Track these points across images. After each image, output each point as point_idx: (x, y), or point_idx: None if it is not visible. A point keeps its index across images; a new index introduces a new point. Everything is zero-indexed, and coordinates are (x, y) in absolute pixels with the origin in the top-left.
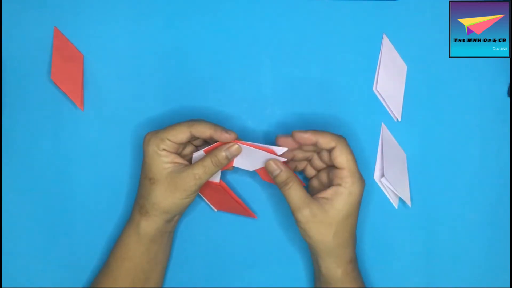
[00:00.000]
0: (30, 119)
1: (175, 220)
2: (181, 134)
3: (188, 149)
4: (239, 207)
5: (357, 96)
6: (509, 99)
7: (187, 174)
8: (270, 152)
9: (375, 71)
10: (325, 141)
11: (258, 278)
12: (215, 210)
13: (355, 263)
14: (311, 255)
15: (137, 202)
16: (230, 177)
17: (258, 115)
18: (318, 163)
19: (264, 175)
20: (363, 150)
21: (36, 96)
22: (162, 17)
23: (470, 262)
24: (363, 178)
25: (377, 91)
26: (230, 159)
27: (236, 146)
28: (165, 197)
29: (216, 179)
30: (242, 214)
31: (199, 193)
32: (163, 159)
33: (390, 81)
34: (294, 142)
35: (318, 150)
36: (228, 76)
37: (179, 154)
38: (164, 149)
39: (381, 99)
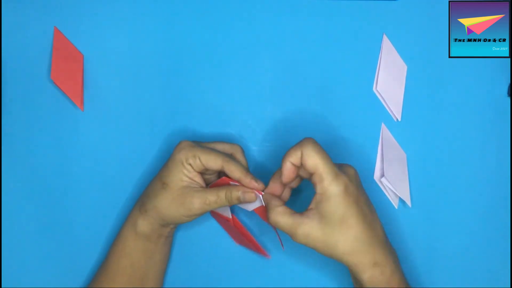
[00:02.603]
0: (30, 119)
1: (170, 227)
2: (213, 163)
3: (211, 175)
4: (251, 244)
5: (357, 96)
6: (509, 99)
7: (199, 196)
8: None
9: (375, 71)
10: (295, 158)
11: (258, 281)
12: (236, 244)
13: (385, 267)
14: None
15: (140, 199)
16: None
17: (258, 115)
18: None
19: (263, 215)
20: (363, 150)
21: (36, 96)
22: (162, 17)
23: (470, 262)
24: (346, 170)
25: (377, 91)
26: (241, 202)
27: (253, 195)
28: (168, 206)
29: (227, 214)
30: (256, 251)
31: (221, 225)
32: (185, 171)
33: (390, 81)
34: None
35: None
36: (228, 75)
37: (200, 173)
38: (190, 164)
39: (381, 99)
